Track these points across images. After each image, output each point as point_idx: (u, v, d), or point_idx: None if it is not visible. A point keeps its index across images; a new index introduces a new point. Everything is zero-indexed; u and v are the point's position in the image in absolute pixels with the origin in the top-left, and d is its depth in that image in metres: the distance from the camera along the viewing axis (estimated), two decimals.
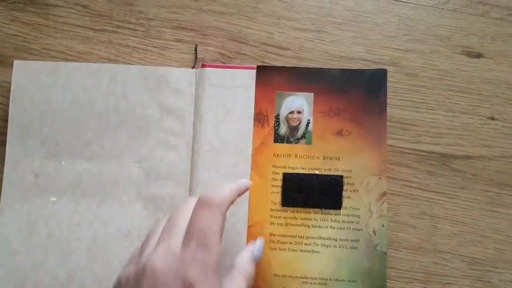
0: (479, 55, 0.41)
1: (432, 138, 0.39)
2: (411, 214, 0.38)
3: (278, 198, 0.36)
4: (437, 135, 0.39)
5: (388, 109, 0.39)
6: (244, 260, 0.31)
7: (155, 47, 0.40)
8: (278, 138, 0.37)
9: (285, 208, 0.36)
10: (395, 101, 0.40)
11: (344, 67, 0.40)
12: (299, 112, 0.38)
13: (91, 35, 0.40)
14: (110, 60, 0.40)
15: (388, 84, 0.39)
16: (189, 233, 0.26)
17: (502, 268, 0.38)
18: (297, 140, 0.37)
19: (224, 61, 0.40)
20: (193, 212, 0.27)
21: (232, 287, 0.28)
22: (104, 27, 0.40)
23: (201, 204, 0.27)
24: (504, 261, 0.38)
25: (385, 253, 0.35)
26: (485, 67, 0.41)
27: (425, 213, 0.38)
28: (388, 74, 0.40)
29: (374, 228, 0.36)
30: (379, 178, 0.36)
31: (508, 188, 0.39)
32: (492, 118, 0.40)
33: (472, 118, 0.40)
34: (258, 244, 0.33)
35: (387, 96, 0.39)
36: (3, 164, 0.37)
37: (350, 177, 0.36)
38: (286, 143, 0.37)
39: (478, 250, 0.38)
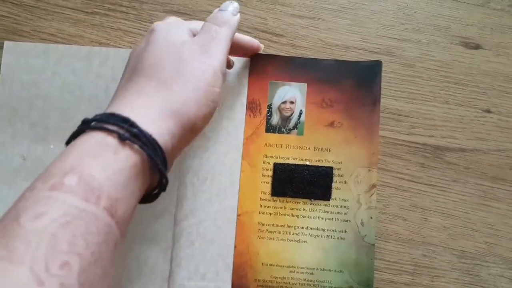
0: (477, 46, 0.40)
1: (426, 130, 0.39)
2: (402, 206, 0.38)
3: (268, 188, 0.36)
4: (431, 127, 0.39)
5: (382, 100, 0.39)
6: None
7: (146, 30, 0.39)
8: (270, 128, 0.37)
9: (275, 198, 0.36)
10: (390, 92, 0.39)
11: (339, 57, 0.39)
12: (292, 103, 0.37)
13: (83, 18, 0.39)
14: (101, 44, 0.39)
15: (383, 74, 0.39)
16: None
17: (491, 262, 0.37)
18: (289, 131, 0.37)
19: None
20: None
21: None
22: (96, 9, 0.40)
23: None
24: (494, 255, 0.37)
25: (373, 244, 0.35)
26: (483, 58, 0.40)
27: (416, 205, 0.38)
28: (384, 64, 0.39)
29: (362, 220, 0.35)
30: (369, 170, 0.36)
31: (501, 182, 0.38)
32: (488, 111, 0.39)
33: (468, 111, 0.39)
34: None
35: (382, 86, 0.38)
36: None
37: (340, 168, 0.36)
38: (278, 133, 0.37)
39: (469, 244, 0.38)
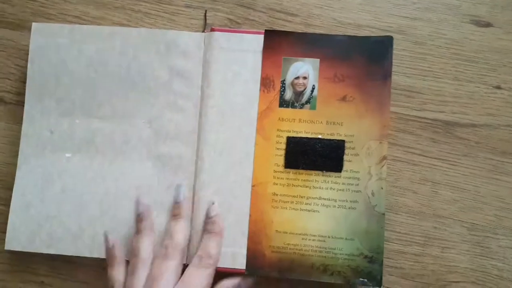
0: (488, 24, 0.41)
1: (437, 106, 0.40)
2: (412, 180, 0.39)
3: (281, 160, 0.37)
4: (442, 103, 0.40)
5: (394, 77, 0.40)
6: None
7: (166, 12, 0.41)
8: (283, 103, 0.38)
9: (288, 169, 0.37)
10: (402, 69, 0.40)
11: (351, 34, 0.40)
12: (304, 78, 0.38)
13: (105, 1, 0.42)
14: (122, 25, 0.41)
15: (395, 52, 0.39)
16: None
17: (501, 235, 0.38)
18: (302, 105, 0.38)
19: (233, 27, 0.41)
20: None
21: None
22: None
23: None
24: (503, 227, 0.38)
25: (383, 214, 0.36)
26: (494, 36, 0.40)
27: (426, 179, 0.39)
28: (395, 42, 0.40)
29: (373, 190, 0.37)
30: (380, 143, 0.37)
31: (510, 157, 0.39)
32: (498, 87, 0.40)
33: (478, 87, 0.40)
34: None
35: (394, 63, 0.39)
36: (22, 122, 0.39)
37: (352, 141, 0.37)
38: (291, 108, 0.38)
39: (478, 217, 0.38)
